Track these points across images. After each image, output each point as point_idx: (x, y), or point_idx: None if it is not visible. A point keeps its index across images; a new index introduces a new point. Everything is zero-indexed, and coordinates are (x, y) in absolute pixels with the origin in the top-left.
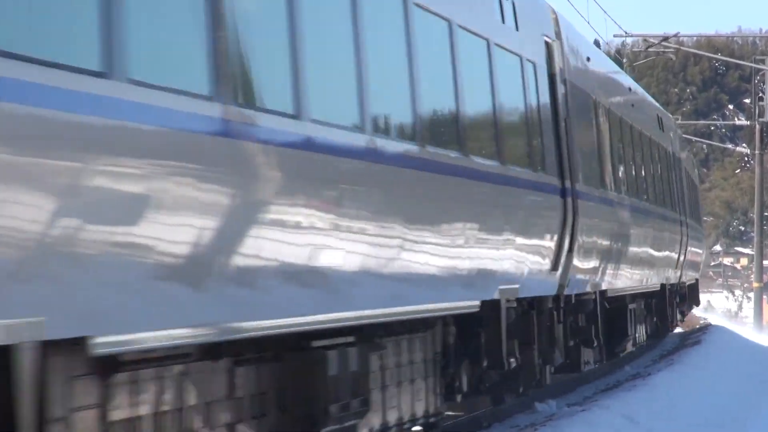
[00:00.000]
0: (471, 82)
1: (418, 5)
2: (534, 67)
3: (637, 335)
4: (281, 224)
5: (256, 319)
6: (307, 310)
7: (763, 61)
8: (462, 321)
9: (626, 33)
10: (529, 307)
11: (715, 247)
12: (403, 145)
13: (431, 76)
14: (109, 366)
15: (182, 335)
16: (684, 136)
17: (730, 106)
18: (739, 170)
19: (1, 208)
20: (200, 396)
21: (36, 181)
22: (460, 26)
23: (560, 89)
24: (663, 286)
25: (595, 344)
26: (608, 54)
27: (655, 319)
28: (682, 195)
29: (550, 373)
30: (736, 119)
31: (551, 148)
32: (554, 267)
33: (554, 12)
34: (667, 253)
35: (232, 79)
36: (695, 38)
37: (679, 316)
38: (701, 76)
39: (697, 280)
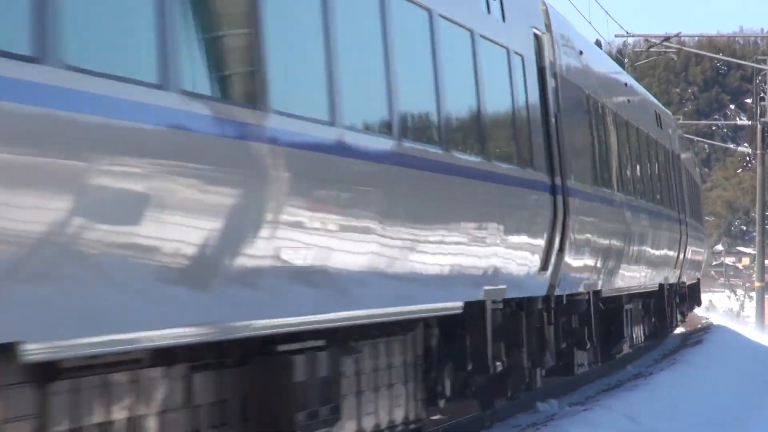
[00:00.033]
0: (453, 74)
1: None
2: (522, 60)
3: (634, 336)
4: (234, 216)
5: (214, 322)
6: (272, 312)
7: (764, 61)
8: (446, 323)
9: (628, 33)
10: (518, 308)
11: (716, 246)
12: (378, 139)
13: (409, 67)
14: (48, 373)
15: (126, 340)
16: (686, 135)
17: (732, 106)
18: (740, 170)
19: None
20: (152, 405)
21: None
22: (442, 16)
23: (550, 83)
24: (662, 286)
25: (589, 346)
26: (610, 54)
27: (653, 319)
28: (681, 193)
29: (540, 376)
30: (737, 119)
31: (540, 144)
32: (544, 267)
33: (544, 3)
34: (665, 252)
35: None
36: (697, 38)
37: (679, 317)
38: (703, 76)
39: (698, 279)
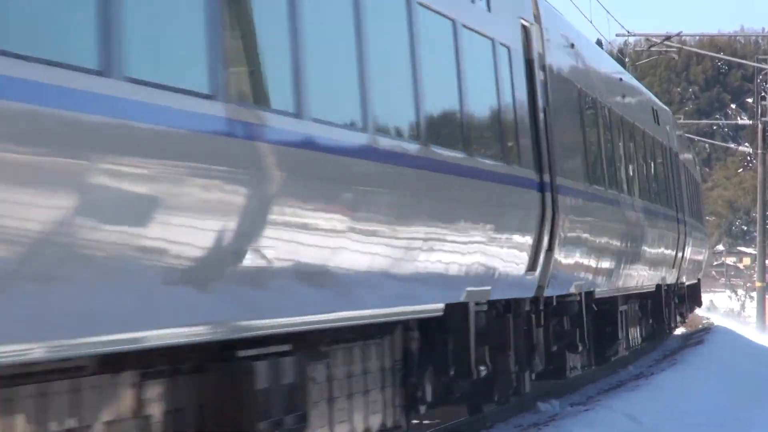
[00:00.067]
0: (433, 66)
1: None
2: (508, 51)
3: (631, 338)
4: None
5: (163, 327)
6: (232, 315)
7: (765, 61)
8: (427, 326)
9: (629, 32)
10: (506, 309)
11: (717, 246)
12: (350, 133)
13: (385, 58)
14: None
15: (60, 347)
16: (687, 135)
17: (733, 106)
18: (741, 170)
19: None
20: (97, 415)
21: None
22: (421, 4)
23: (539, 76)
24: (659, 287)
25: (581, 349)
26: (611, 53)
27: (651, 321)
28: (679, 191)
29: (530, 380)
30: (738, 119)
31: (528, 139)
32: (532, 267)
33: None
34: (662, 252)
35: None
36: (698, 38)
37: (678, 318)
38: (704, 76)
39: (698, 280)
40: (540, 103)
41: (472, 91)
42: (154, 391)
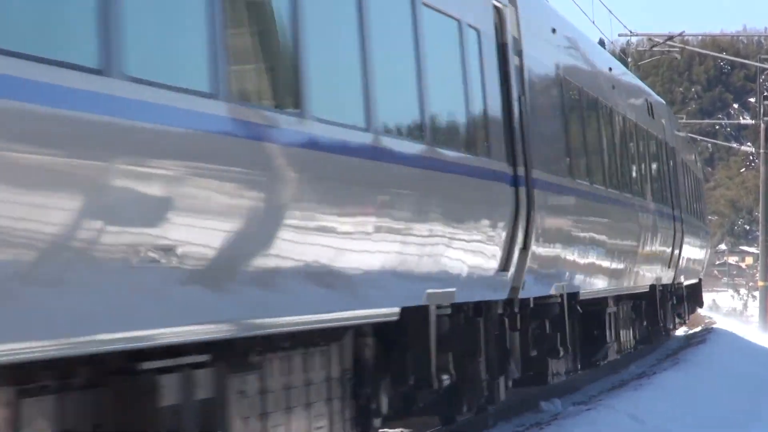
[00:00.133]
0: (387, 47)
1: None
2: (478, 34)
3: (623, 341)
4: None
5: (46, 337)
6: (137, 323)
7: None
8: (384, 331)
9: (631, 32)
10: (477, 313)
11: (720, 245)
12: (287, 118)
13: (330, 37)
14: None
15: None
16: (689, 135)
17: (735, 105)
18: (744, 169)
19: None
20: None
21: None
22: None
23: (513, 62)
24: (653, 287)
25: (562, 354)
26: (613, 53)
27: (645, 323)
28: (675, 187)
29: (505, 388)
30: (741, 118)
31: (499, 129)
32: (504, 267)
33: None
34: (656, 250)
35: None
36: (700, 37)
37: (677, 319)
38: (706, 76)
39: (699, 280)
40: (515, 91)
41: (433, 76)
42: (34, 410)
